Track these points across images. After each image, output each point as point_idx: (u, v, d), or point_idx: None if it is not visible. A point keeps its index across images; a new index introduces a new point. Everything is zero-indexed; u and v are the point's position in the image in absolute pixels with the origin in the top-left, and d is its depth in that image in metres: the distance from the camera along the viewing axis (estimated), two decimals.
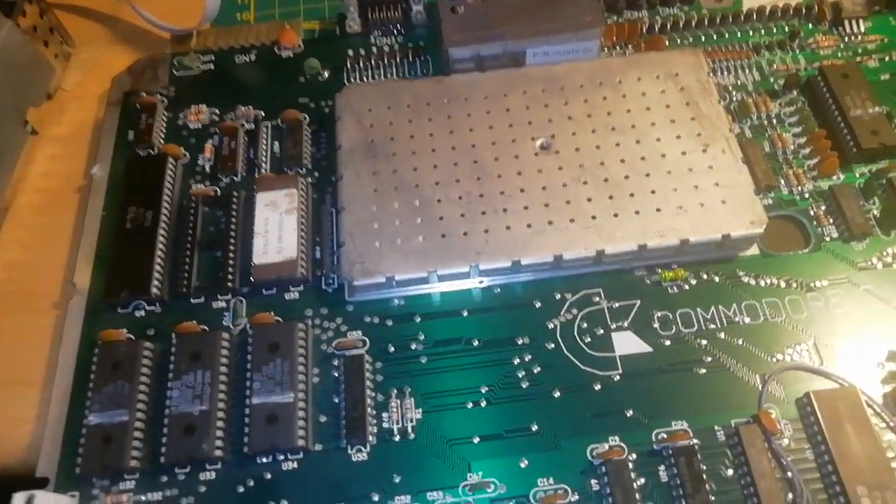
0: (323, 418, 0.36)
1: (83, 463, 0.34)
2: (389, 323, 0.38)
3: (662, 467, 0.34)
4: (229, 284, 0.39)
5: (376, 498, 0.34)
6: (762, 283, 0.40)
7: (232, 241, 0.40)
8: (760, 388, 0.36)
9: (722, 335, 0.38)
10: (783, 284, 0.40)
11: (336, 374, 0.37)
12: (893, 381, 0.36)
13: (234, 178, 0.43)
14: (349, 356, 0.37)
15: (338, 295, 0.39)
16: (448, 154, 0.42)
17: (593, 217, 0.40)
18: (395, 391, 0.37)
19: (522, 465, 0.34)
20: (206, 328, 0.38)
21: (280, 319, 0.38)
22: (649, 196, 0.40)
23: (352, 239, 0.39)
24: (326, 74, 0.48)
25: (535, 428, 0.35)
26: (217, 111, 0.46)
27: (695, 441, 0.35)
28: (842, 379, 0.36)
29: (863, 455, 0.34)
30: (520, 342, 0.38)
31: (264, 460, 0.35)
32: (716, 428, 0.35)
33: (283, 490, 0.34)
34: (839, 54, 0.48)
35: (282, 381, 0.35)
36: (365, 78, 0.48)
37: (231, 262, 0.39)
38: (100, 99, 0.48)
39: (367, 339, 0.38)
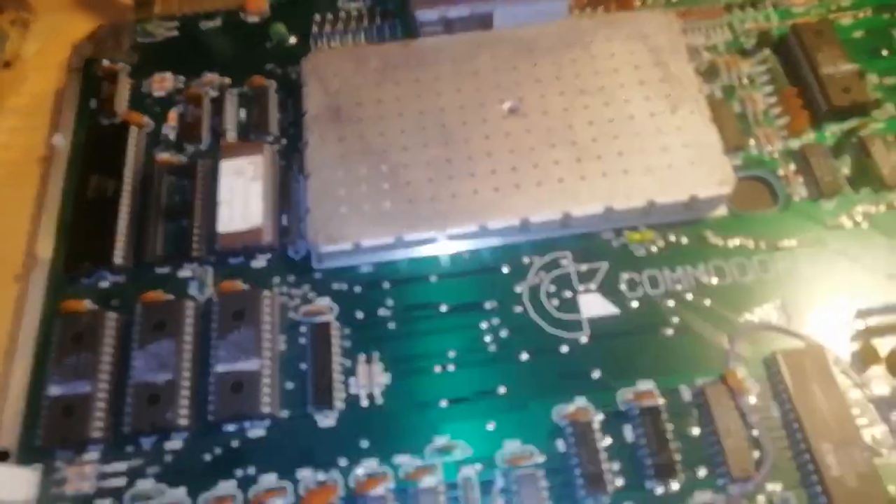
0: (290, 385, 0.36)
1: (44, 434, 0.33)
2: (358, 289, 0.38)
3: (628, 427, 0.34)
4: (195, 253, 0.38)
5: (344, 463, 0.34)
6: (730, 244, 0.39)
7: (197, 209, 0.40)
8: (727, 348, 0.36)
9: (689, 296, 0.38)
10: (751, 245, 0.39)
11: (303, 342, 0.37)
12: (860, 339, 0.36)
13: (199, 146, 0.43)
14: (316, 323, 0.37)
15: (305, 262, 0.39)
16: (415, 118, 0.41)
17: (560, 180, 0.39)
18: (364, 357, 0.36)
19: (489, 428, 0.34)
20: (171, 297, 0.38)
21: (246, 287, 0.38)
22: (617, 158, 0.40)
23: (318, 205, 0.39)
24: (293, 40, 0.47)
25: (502, 391, 0.35)
26: (182, 79, 0.46)
27: (661, 401, 0.35)
28: (808, 338, 0.36)
29: (829, 413, 0.34)
30: (487, 306, 0.38)
31: (230, 428, 0.34)
32: (682, 388, 0.35)
33: (251, 457, 0.34)
34: (812, 12, 0.47)
35: (247, 348, 0.35)
36: (333, 43, 0.47)
37: (196, 230, 0.39)
38: (60, 67, 0.47)
39: (335, 305, 0.38)
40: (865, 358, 0.36)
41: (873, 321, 0.37)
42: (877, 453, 0.33)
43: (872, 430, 0.34)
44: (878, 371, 0.35)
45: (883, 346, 0.36)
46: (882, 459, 0.33)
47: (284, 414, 0.35)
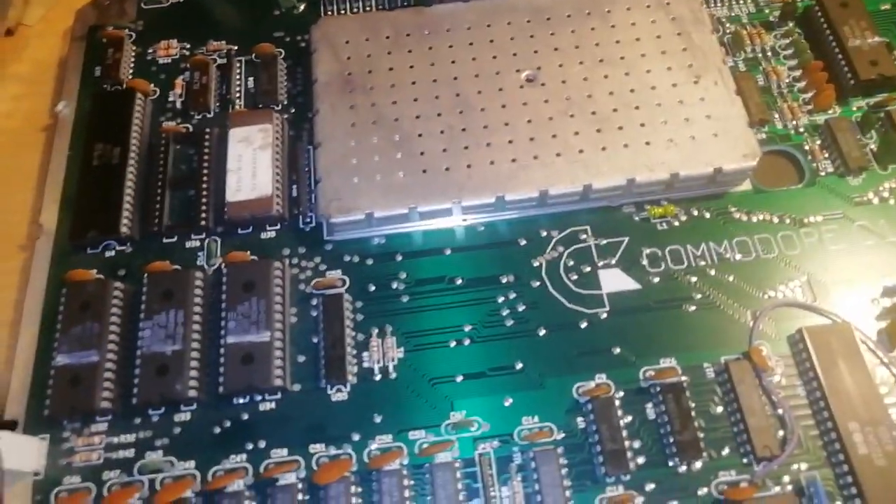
0: (301, 358, 0.35)
1: (51, 405, 0.32)
2: (370, 262, 0.37)
3: (650, 405, 0.33)
4: (202, 223, 0.37)
5: (357, 438, 0.33)
6: (754, 219, 0.38)
7: (205, 178, 0.38)
8: (751, 325, 0.35)
9: (712, 272, 0.37)
10: (776, 220, 0.38)
11: (315, 314, 0.36)
12: (887, 317, 0.35)
13: (207, 114, 0.41)
14: (328, 295, 0.36)
15: (316, 233, 0.38)
16: (429, 87, 0.40)
17: (580, 151, 0.38)
18: (376, 330, 0.35)
19: (507, 404, 0.33)
20: (178, 267, 0.37)
21: (255, 258, 0.37)
22: (638, 129, 0.39)
23: (329, 175, 0.38)
24: (302, 7, 0.45)
25: (519, 366, 0.34)
26: (188, 46, 0.44)
27: (683, 378, 0.34)
28: (835, 315, 0.35)
29: (855, 392, 0.33)
30: (504, 280, 0.36)
31: (241, 401, 0.34)
32: (705, 365, 0.34)
33: (261, 431, 0.33)
34: None
35: (257, 320, 0.34)
36: (343, 10, 0.46)
37: (204, 200, 0.38)
38: (64, 34, 0.46)
39: (346, 278, 0.36)
40: (893, 336, 0.35)
41: None
42: None
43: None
44: None
45: None
46: None
47: (296, 387, 0.34)
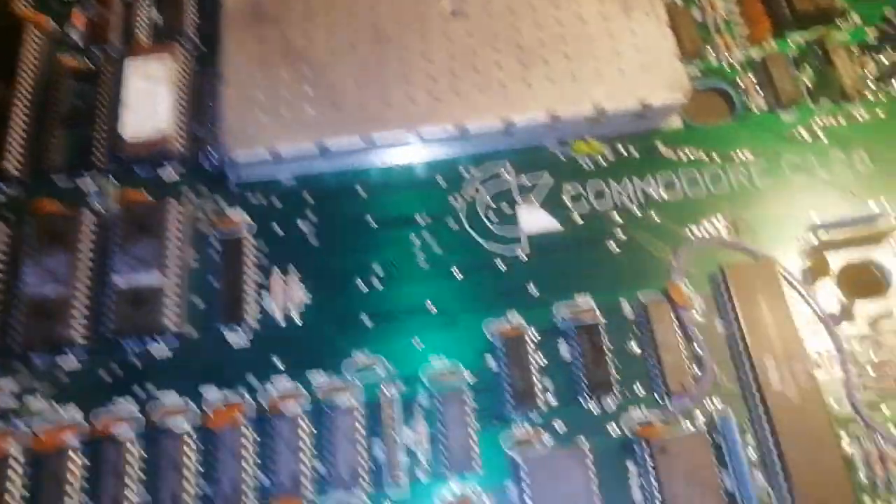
0: (199, 302, 0.33)
1: None
2: (277, 203, 0.35)
3: (564, 345, 0.32)
4: (96, 161, 0.35)
5: (254, 382, 0.31)
6: (683, 157, 0.37)
7: (101, 114, 0.36)
8: (673, 263, 0.34)
9: (636, 210, 0.35)
10: (705, 157, 0.37)
11: (216, 257, 0.34)
12: (812, 255, 0.34)
13: (107, 49, 0.39)
14: (229, 237, 0.34)
15: (219, 173, 0.35)
16: (344, 18, 0.38)
17: (503, 85, 0.36)
18: (280, 273, 0.34)
19: (415, 344, 0.32)
20: (66, 207, 0.34)
21: (151, 199, 0.35)
22: (565, 63, 0.37)
23: (233, 111, 0.35)
24: None
25: (431, 308, 0.33)
26: None
27: (599, 317, 0.32)
28: (758, 253, 0.34)
29: (774, 328, 0.32)
30: (420, 221, 0.35)
31: (132, 346, 0.32)
32: (623, 303, 0.33)
33: (153, 376, 0.31)
34: None
35: (149, 261, 0.32)
36: None
37: (99, 137, 0.35)
38: None
39: (250, 219, 0.34)
40: (816, 272, 0.34)
41: (826, 236, 0.34)
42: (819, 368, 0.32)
43: (818, 346, 0.32)
44: (828, 286, 0.34)
45: (835, 261, 0.34)
46: (825, 375, 0.32)
47: (192, 331, 0.32)
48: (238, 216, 0.34)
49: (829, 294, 0.33)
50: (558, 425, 0.31)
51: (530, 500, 0.29)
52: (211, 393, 0.31)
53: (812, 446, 0.30)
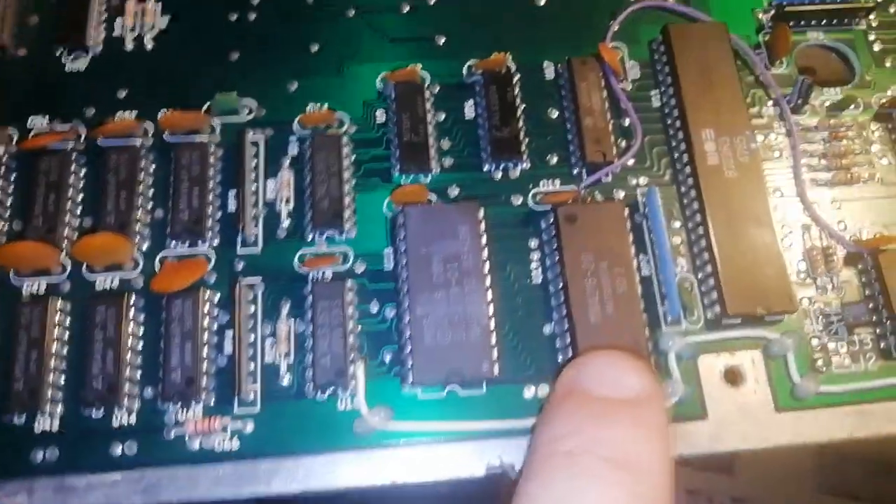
0: (34, 19, 0.27)
1: None
2: None
3: (470, 102, 0.27)
4: None
5: (91, 113, 0.26)
6: None
7: None
8: (610, 26, 0.29)
9: None
10: None
11: None
12: (773, 27, 0.29)
13: None
14: None
15: None
16: None
17: None
18: None
19: (291, 89, 0.27)
20: None
21: None
22: None
23: None
24: None
25: (314, 48, 0.27)
26: None
27: (514, 71, 0.27)
28: (707, 19, 0.28)
29: (718, 99, 0.26)
30: None
31: None
32: (545, 64, 0.28)
33: None
34: None
35: None
36: None
37: None
38: None
39: None
40: (775, 46, 0.29)
41: (786, 10, 0.29)
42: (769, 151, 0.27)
43: (766, 126, 0.28)
44: (783, 62, 0.29)
45: (797, 40, 0.29)
46: (773, 162, 0.27)
47: (21, 52, 0.27)
48: None
49: (785, 75, 0.29)
50: (451, 190, 0.26)
51: (406, 257, 0.24)
52: (37, 121, 0.26)
53: (746, 231, 0.25)
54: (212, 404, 0.23)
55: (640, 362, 0.21)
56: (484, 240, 0.24)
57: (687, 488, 0.50)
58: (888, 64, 0.29)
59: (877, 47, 0.29)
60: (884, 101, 0.28)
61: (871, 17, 0.30)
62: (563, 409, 0.20)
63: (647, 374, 0.21)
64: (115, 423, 0.23)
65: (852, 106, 0.28)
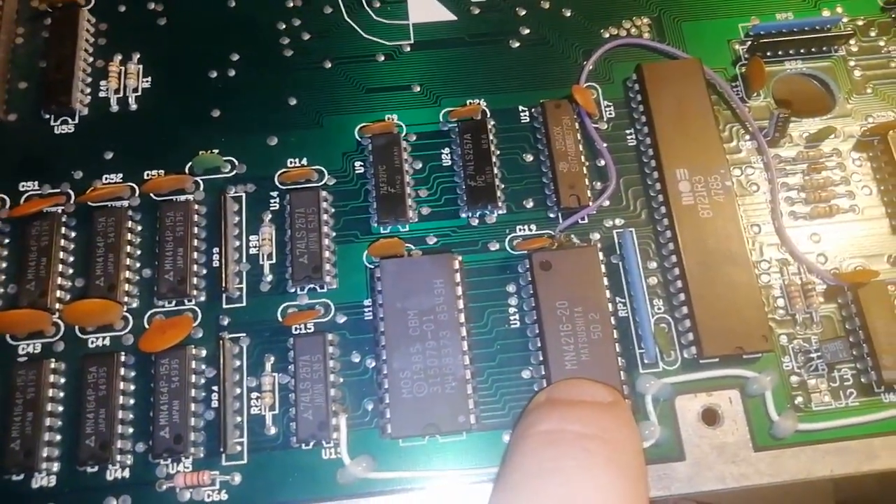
0: (23, 85, 0.28)
1: None
2: None
3: (447, 150, 0.27)
4: None
5: (79, 175, 0.27)
6: None
7: None
8: (584, 66, 0.29)
9: (546, 4, 0.30)
10: None
11: (46, 35, 0.29)
12: (747, 61, 0.29)
13: None
14: (60, 10, 0.28)
15: None
16: None
17: None
18: (120, 56, 0.28)
19: (271, 144, 0.27)
20: None
21: None
22: None
23: None
24: None
25: (293, 102, 0.28)
26: None
27: (489, 118, 0.27)
28: (683, 55, 0.29)
29: (692, 138, 0.27)
30: (289, 4, 0.29)
31: None
32: (520, 108, 0.28)
33: None
34: None
35: None
36: None
37: None
38: None
39: None
40: (751, 79, 0.29)
41: (763, 41, 0.29)
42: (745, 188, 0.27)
43: (744, 160, 0.28)
44: (762, 97, 0.29)
45: (773, 71, 0.29)
46: (750, 197, 0.27)
47: (12, 117, 0.28)
48: None
49: (762, 107, 0.29)
50: (429, 239, 0.26)
51: (383, 311, 0.24)
52: (28, 185, 0.26)
53: (722, 271, 0.25)
54: (201, 457, 0.24)
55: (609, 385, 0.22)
56: (460, 290, 0.25)
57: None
58: (868, 91, 0.29)
59: (857, 74, 0.29)
60: (865, 129, 0.29)
61: (851, 42, 0.30)
62: (538, 410, 0.22)
63: (616, 391, 0.22)
64: (109, 477, 0.24)
65: (832, 136, 0.28)
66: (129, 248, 0.26)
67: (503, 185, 0.27)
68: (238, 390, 0.25)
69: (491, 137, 0.27)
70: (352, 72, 0.28)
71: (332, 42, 0.29)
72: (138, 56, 0.28)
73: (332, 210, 0.26)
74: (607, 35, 0.29)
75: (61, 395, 0.24)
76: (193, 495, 0.24)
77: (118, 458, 0.24)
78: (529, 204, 0.27)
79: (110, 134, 0.27)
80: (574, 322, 0.25)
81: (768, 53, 0.29)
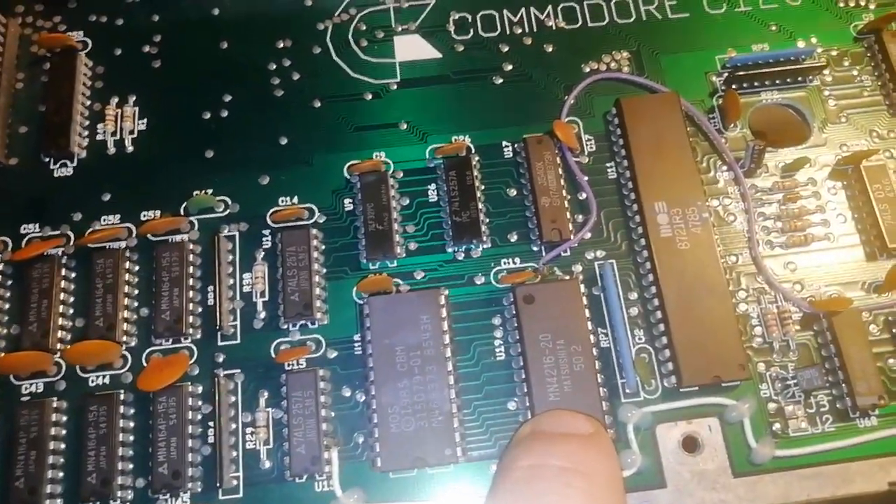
0: (24, 129, 0.29)
1: None
2: (119, 22, 0.31)
3: (433, 186, 0.29)
4: None
5: (78, 217, 0.28)
6: None
7: None
8: (565, 101, 0.30)
9: (529, 41, 0.31)
10: None
11: (45, 79, 0.30)
12: (723, 93, 0.30)
13: None
14: (58, 54, 0.29)
15: None
16: None
17: None
18: (117, 99, 0.29)
19: (263, 182, 0.28)
20: None
21: None
22: None
23: None
24: None
25: (283, 141, 0.29)
26: None
27: (473, 154, 0.28)
28: (662, 88, 0.30)
29: (670, 171, 0.28)
30: (280, 45, 0.30)
31: None
32: (504, 144, 0.29)
33: None
34: None
35: None
36: None
37: None
38: None
39: (89, 39, 0.30)
40: (726, 111, 0.29)
41: (740, 73, 0.30)
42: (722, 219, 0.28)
43: (722, 191, 0.28)
44: (738, 129, 0.29)
45: (749, 102, 0.30)
46: (728, 227, 0.28)
47: (13, 161, 0.28)
48: (73, 34, 0.30)
49: (738, 138, 0.29)
50: (417, 274, 0.27)
51: (371, 347, 0.25)
52: (30, 228, 0.27)
53: (700, 302, 0.26)
54: (198, 491, 0.25)
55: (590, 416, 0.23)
56: (446, 325, 0.26)
57: None
58: (843, 120, 0.30)
59: (831, 104, 0.30)
60: (839, 158, 0.29)
61: (826, 72, 0.31)
62: (522, 443, 0.23)
63: (597, 422, 0.23)
64: None
65: (808, 165, 0.29)
66: (126, 289, 0.26)
67: (487, 220, 0.28)
68: (233, 426, 0.25)
69: (476, 173, 0.28)
70: (340, 110, 0.29)
71: (322, 81, 0.30)
72: (134, 98, 0.29)
73: (323, 247, 0.27)
74: (588, 70, 0.30)
75: (63, 433, 0.25)
76: None
77: (119, 493, 0.24)
78: (513, 238, 0.28)
79: (108, 176, 0.28)
80: (557, 354, 0.25)
81: (745, 85, 0.30)
